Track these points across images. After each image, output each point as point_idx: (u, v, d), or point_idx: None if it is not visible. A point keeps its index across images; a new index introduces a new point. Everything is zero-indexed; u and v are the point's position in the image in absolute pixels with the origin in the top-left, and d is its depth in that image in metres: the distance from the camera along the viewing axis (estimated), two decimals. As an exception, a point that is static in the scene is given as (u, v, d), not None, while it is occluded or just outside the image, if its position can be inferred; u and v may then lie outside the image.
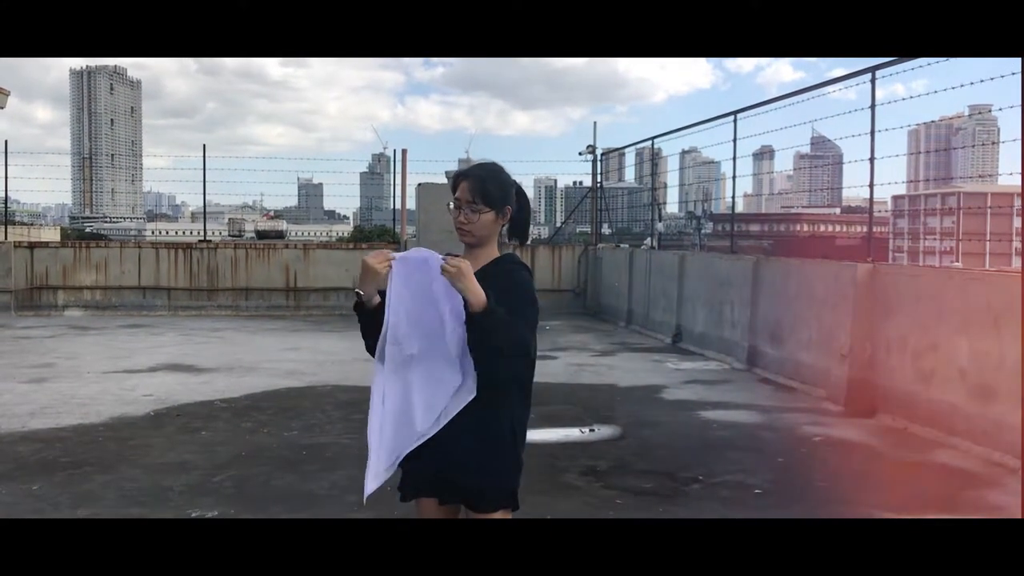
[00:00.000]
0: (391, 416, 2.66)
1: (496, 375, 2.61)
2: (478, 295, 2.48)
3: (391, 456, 2.66)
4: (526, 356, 2.63)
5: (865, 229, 10.44)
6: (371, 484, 2.64)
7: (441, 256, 2.54)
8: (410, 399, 2.64)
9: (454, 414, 2.60)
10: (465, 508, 2.71)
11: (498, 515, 2.68)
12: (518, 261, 2.79)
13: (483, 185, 2.72)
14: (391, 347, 2.64)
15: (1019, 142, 5.46)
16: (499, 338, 2.52)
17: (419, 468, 2.68)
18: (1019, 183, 6.28)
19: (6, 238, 15.99)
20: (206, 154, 16.65)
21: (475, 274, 2.63)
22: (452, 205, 2.75)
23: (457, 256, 2.59)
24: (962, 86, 7.81)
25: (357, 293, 2.66)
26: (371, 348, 2.70)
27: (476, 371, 2.59)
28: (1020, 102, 5.94)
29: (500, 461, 2.69)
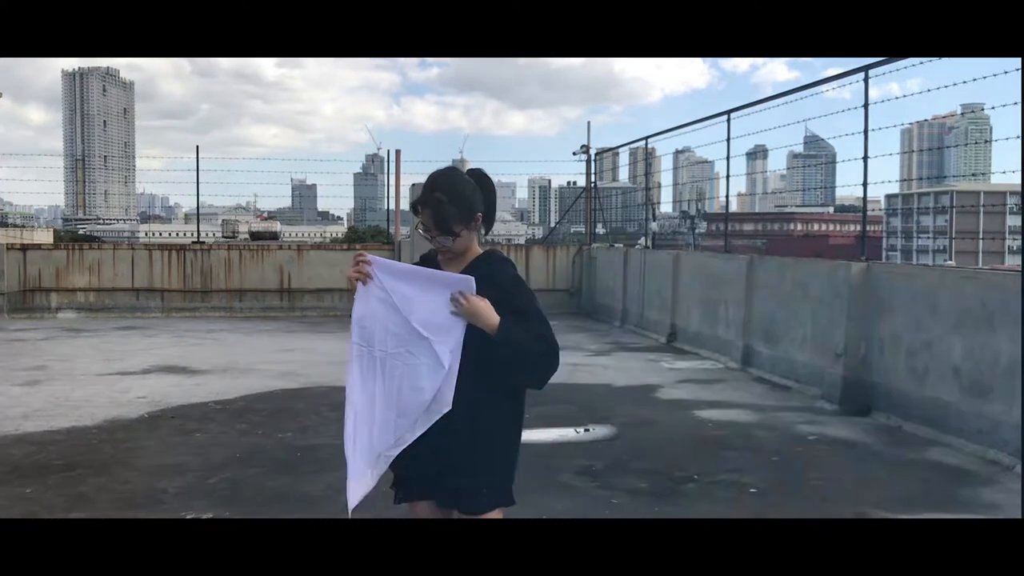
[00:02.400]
0: (364, 419, 2.61)
1: (514, 380, 2.62)
2: (491, 325, 2.51)
3: (368, 458, 2.60)
4: (554, 352, 2.61)
5: (858, 228, 10.44)
6: (354, 493, 2.58)
7: (455, 286, 2.54)
8: (386, 403, 2.59)
9: (426, 427, 2.55)
10: (459, 512, 2.68)
11: (493, 515, 2.66)
12: (500, 258, 2.74)
13: (444, 212, 2.59)
14: (359, 347, 2.60)
15: (1019, 139, 5.47)
16: (524, 354, 2.55)
17: (411, 471, 2.66)
18: (1012, 181, 6.28)
19: (-2, 240, 15.94)
20: (199, 155, 16.61)
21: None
22: (420, 230, 2.67)
23: (464, 292, 2.55)
24: (955, 85, 7.83)
25: None
26: None
27: (487, 381, 2.57)
28: (1020, 100, 5.94)
29: (495, 460, 2.67)
